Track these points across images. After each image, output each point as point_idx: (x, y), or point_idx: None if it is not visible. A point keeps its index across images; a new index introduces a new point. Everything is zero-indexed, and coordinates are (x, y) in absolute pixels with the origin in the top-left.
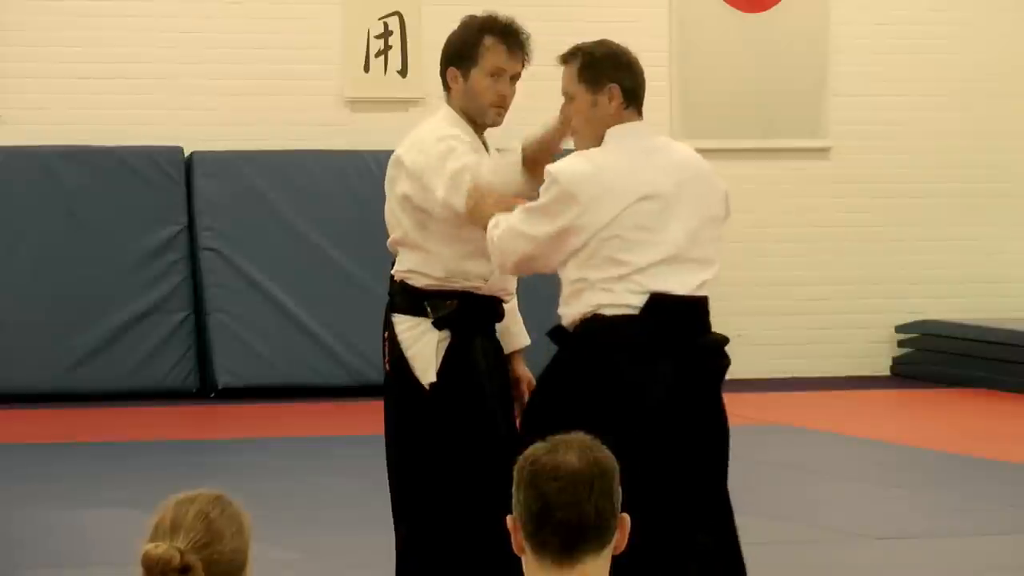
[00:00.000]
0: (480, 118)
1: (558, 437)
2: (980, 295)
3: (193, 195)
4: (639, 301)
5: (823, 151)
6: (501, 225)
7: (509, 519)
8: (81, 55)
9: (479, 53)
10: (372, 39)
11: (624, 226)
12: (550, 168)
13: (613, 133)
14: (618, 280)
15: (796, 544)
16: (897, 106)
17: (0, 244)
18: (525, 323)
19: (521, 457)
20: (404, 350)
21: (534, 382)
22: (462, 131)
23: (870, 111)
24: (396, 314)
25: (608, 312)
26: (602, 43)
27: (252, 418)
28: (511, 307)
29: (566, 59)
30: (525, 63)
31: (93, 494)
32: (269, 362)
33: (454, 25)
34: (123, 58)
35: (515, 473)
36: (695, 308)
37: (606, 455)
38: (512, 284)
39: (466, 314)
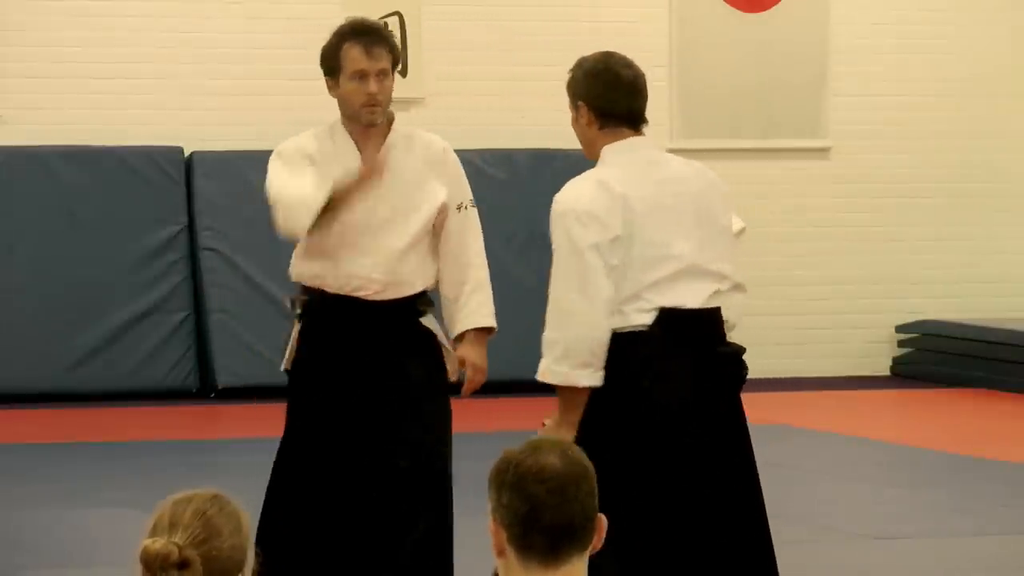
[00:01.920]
0: (356, 119)
1: (533, 439)
2: (980, 295)
3: (193, 195)
4: (649, 319)
5: (823, 151)
6: (554, 306)
7: (490, 523)
8: (81, 55)
9: (341, 60)
10: None
11: (633, 244)
12: (555, 203)
13: (608, 151)
14: (629, 300)
15: (796, 544)
16: (897, 106)
17: (0, 244)
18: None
19: (499, 460)
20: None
21: (479, 364)
22: (324, 140)
23: (870, 111)
24: None
25: (623, 332)
26: (593, 58)
27: (252, 418)
28: (455, 295)
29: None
30: (392, 57)
31: (93, 494)
32: (269, 362)
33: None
34: (123, 58)
35: (494, 476)
36: (706, 319)
37: (583, 455)
38: (368, 280)
39: (314, 310)
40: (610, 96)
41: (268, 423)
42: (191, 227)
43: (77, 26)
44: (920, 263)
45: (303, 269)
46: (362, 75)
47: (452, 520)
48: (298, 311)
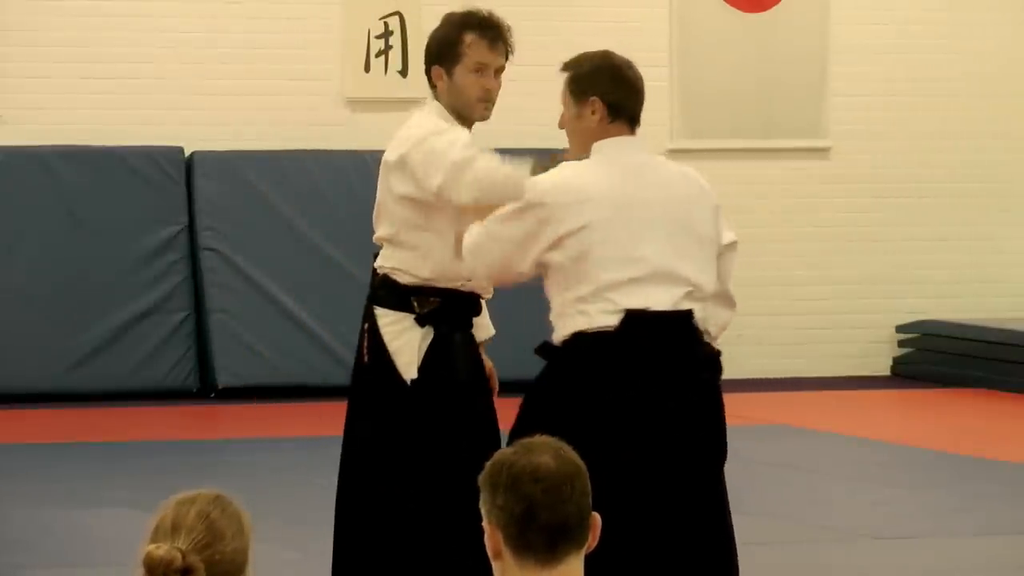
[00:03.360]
0: (467, 113)
1: (524, 440)
2: (980, 295)
3: (193, 195)
4: (615, 320)
5: (823, 151)
6: (475, 231)
7: (485, 525)
8: (81, 55)
9: (461, 50)
10: (372, 39)
11: (594, 240)
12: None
13: (599, 146)
14: (591, 298)
15: (796, 544)
16: (897, 106)
17: (0, 244)
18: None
19: (491, 463)
20: (387, 344)
21: (495, 372)
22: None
23: (870, 111)
24: (378, 307)
25: (588, 332)
26: (596, 55)
27: (252, 418)
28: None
29: (563, 69)
30: (508, 55)
31: (93, 494)
32: (269, 362)
33: None
34: (123, 58)
35: (487, 478)
36: (675, 323)
37: (575, 455)
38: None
39: (448, 311)
40: (621, 93)
41: (268, 423)
42: (191, 227)
43: (77, 26)
44: (920, 263)
45: (455, 266)
46: (483, 69)
47: None
48: (424, 312)
